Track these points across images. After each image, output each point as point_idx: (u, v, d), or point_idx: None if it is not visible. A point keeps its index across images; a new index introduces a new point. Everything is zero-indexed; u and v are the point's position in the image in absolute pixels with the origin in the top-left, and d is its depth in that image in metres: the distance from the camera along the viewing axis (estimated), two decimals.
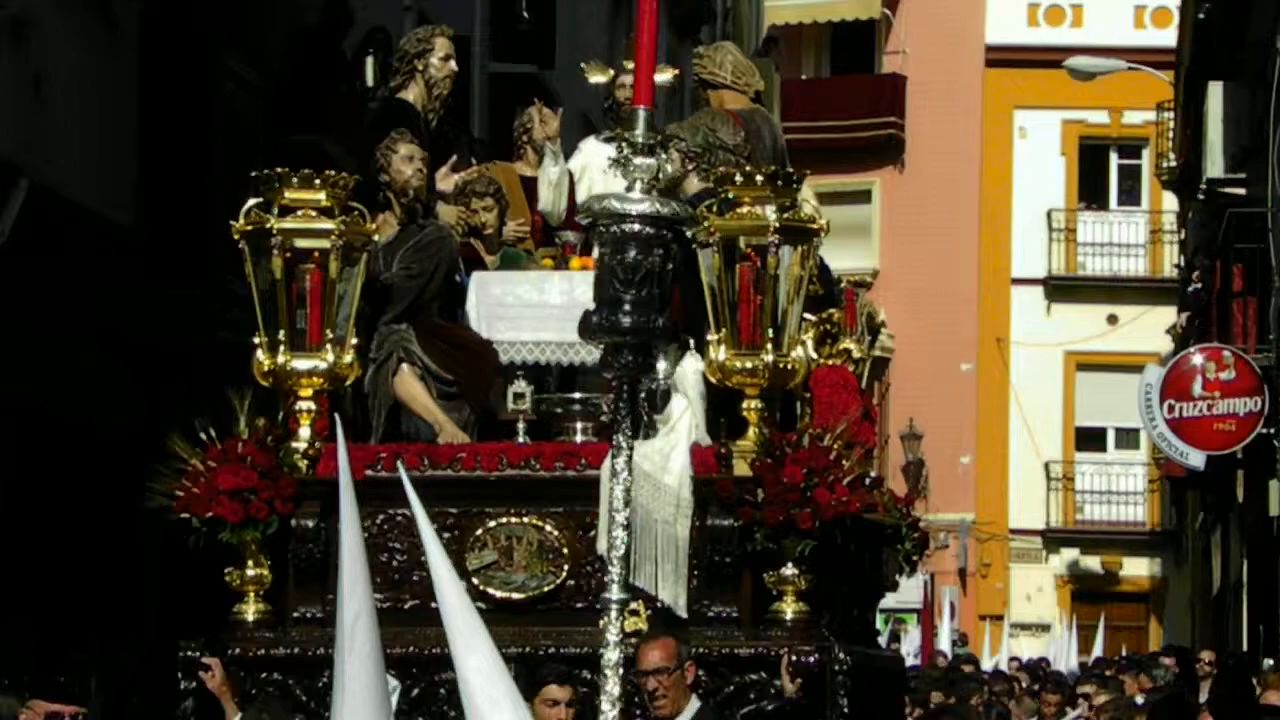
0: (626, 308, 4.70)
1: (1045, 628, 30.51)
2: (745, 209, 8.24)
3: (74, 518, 12.27)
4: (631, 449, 4.81)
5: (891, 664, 10.49)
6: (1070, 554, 34.44)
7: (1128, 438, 33.83)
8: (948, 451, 33.11)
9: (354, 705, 4.81)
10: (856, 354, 9.57)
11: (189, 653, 8.13)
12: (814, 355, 9.12)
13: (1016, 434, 34.24)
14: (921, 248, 33.69)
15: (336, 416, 7.21)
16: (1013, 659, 22.94)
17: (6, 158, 11.04)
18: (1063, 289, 34.62)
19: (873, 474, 9.51)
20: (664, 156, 4.78)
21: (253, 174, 8.40)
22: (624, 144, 4.74)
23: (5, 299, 11.06)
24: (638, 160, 4.73)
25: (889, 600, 11.28)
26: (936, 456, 32.80)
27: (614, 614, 4.69)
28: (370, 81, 14.99)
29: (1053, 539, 34.37)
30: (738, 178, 8.30)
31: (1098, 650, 24.08)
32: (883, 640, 14.95)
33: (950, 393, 33.44)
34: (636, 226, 4.72)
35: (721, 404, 8.32)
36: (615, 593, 4.69)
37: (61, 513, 12.18)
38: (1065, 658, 23.34)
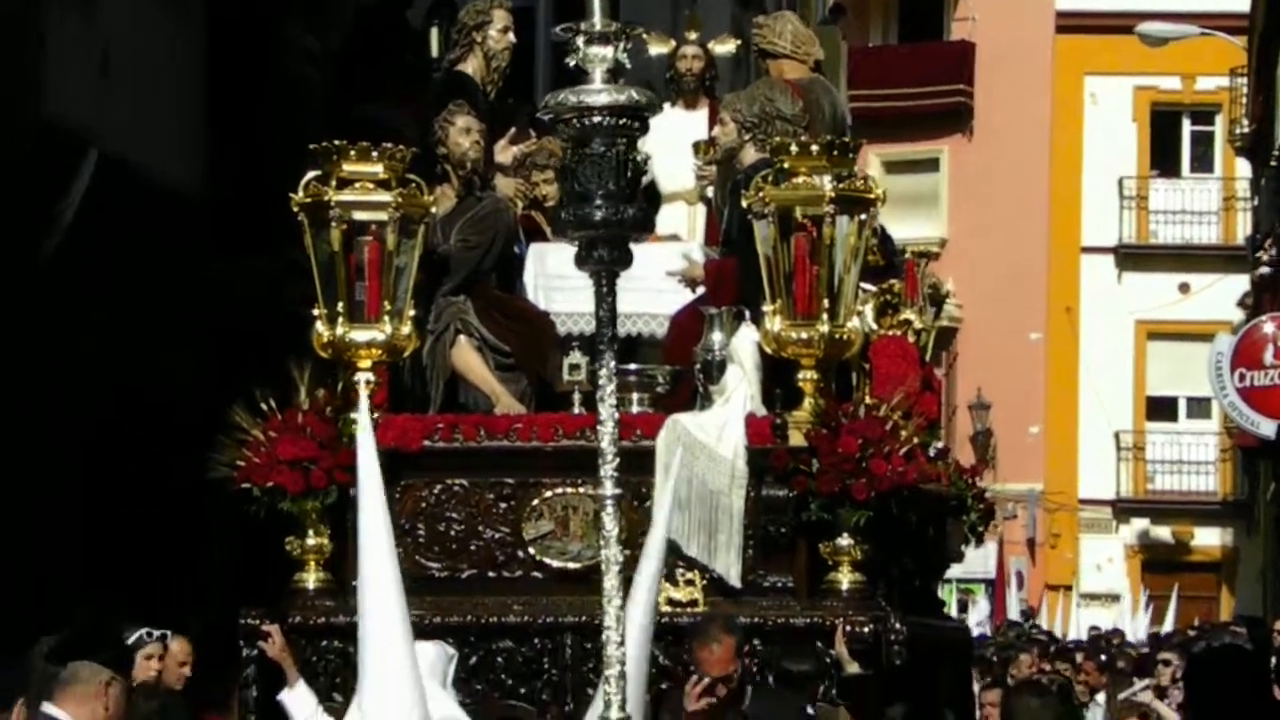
0: (597, 201, 4.64)
1: (1115, 598, 30.36)
2: (801, 179, 8.22)
3: (147, 488, 12.38)
4: (615, 345, 4.74)
5: (955, 635, 10.45)
6: (1141, 524, 34.25)
7: (1199, 407, 33.59)
8: (1016, 421, 32.94)
9: (377, 668, 4.89)
10: (918, 325, 9.51)
11: (249, 621, 8.23)
12: (874, 326, 9.09)
13: (1086, 404, 34.02)
14: (990, 216, 33.47)
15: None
16: (1093, 628, 22.74)
17: (76, 129, 11.15)
18: (1134, 257, 34.35)
19: (938, 445, 9.50)
20: (620, 45, 4.65)
21: (310, 146, 8.46)
22: (580, 34, 4.65)
23: (75, 268, 11.17)
24: (592, 50, 4.65)
25: (957, 571, 11.22)
26: (1005, 426, 32.64)
27: None
28: (435, 52, 15.04)
29: (1123, 509, 34.18)
30: (793, 148, 8.27)
31: (1169, 622, 23.94)
32: (951, 611, 14.93)
33: (1019, 362, 33.24)
34: (598, 118, 4.64)
35: (777, 375, 8.30)
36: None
37: (135, 483, 12.30)
38: (1135, 628, 23.21)
